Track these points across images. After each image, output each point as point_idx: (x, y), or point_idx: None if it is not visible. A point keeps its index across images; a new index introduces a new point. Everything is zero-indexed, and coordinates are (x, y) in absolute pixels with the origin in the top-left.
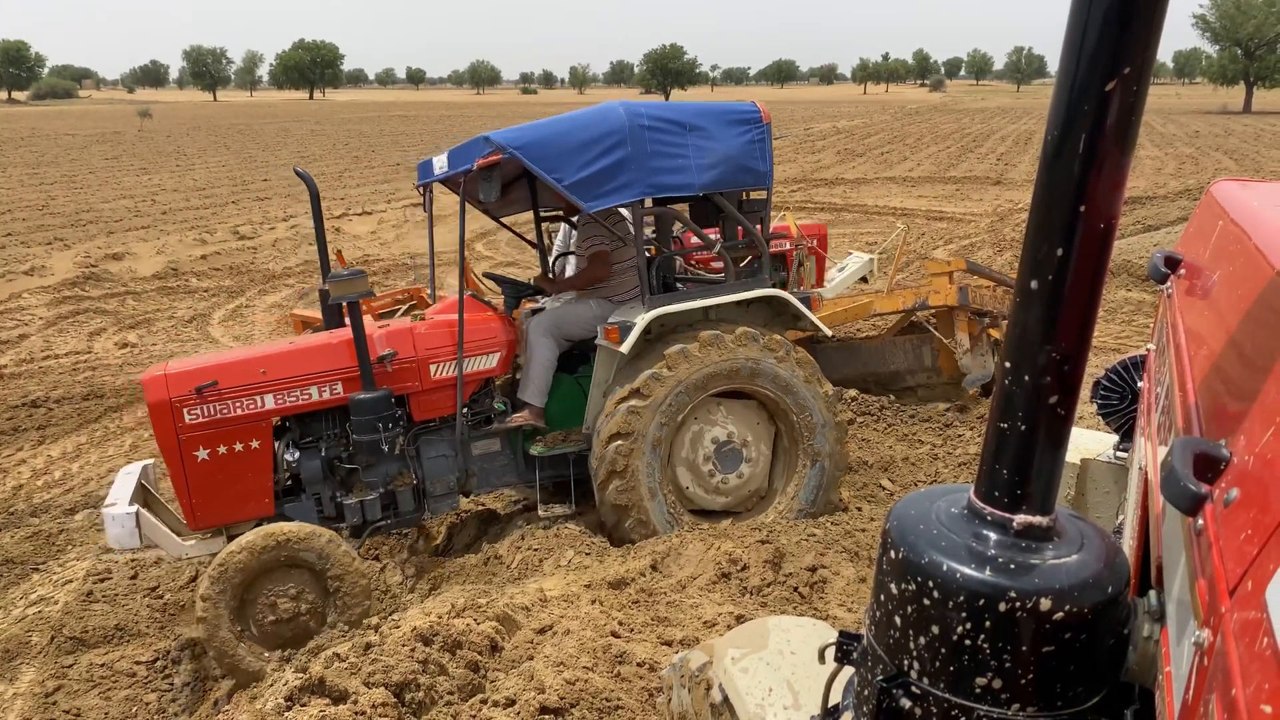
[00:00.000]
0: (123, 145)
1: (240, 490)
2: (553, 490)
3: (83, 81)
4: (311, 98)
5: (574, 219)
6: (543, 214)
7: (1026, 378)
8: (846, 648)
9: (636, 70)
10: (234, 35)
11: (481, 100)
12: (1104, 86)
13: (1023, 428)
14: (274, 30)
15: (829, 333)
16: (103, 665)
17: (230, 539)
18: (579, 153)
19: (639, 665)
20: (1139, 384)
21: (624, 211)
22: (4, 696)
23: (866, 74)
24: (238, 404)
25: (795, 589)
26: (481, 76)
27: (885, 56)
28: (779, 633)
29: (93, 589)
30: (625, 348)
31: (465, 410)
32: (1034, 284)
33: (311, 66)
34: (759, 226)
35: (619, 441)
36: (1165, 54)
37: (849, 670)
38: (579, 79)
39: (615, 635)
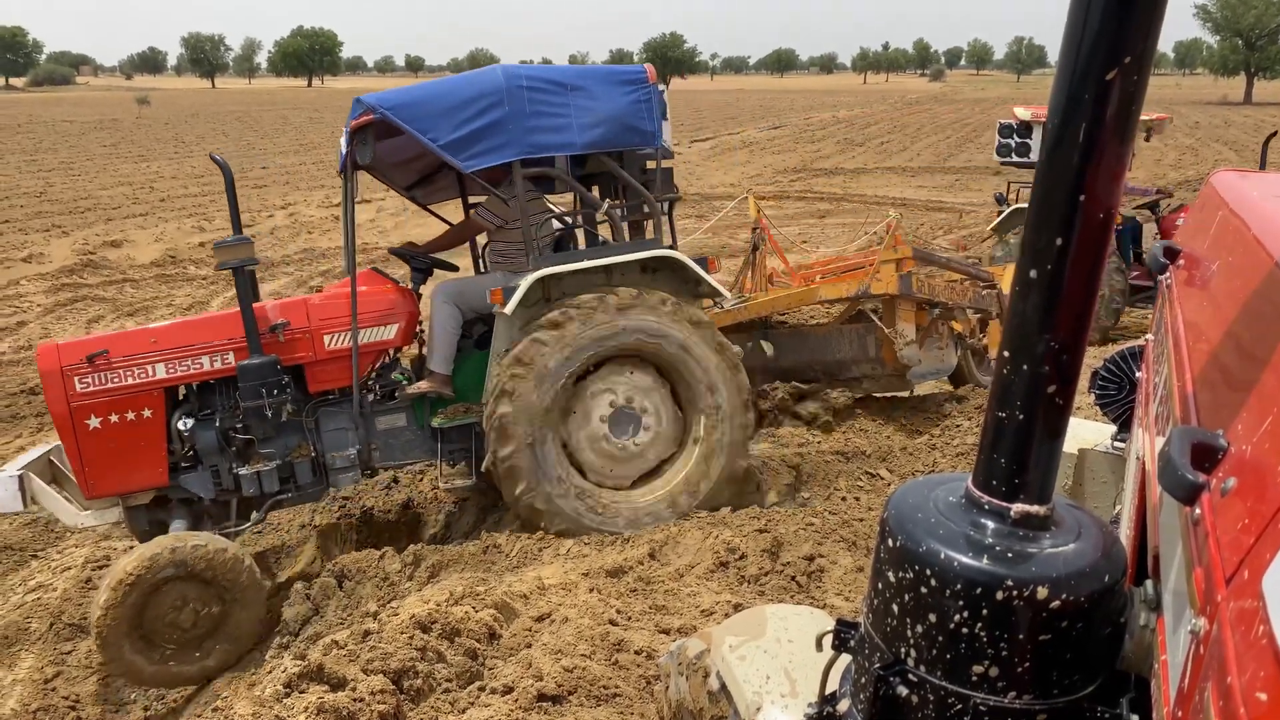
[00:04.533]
0: (121, 132)
1: (133, 459)
2: (456, 464)
3: (80, 68)
4: (310, 85)
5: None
6: (471, 200)
7: (1025, 367)
8: (844, 635)
9: (636, 59)
10: (232, 22)
11: None
12: (1104, 76)
13: (1021, 417)
14: (273, 17)
15: (727, 294)
16: None
17: (126, 510)
18: (454, 113)
19: (636, 653)
20: (1137, 374)
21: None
22: (3, 683)
23: (866, 64)
24: (128, 373)
25: (793, 578)
26: (480, 65)
27: (885, 46)
28: (776, 621)
29: (91, 576)
30: (509, 308)
31: (373, 383)
32: (1033, 273)
33: (310, 54)
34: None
35: (504, 403)
36: (1166, 45)
37: (846, 658)
38: None
39: (613, 623)
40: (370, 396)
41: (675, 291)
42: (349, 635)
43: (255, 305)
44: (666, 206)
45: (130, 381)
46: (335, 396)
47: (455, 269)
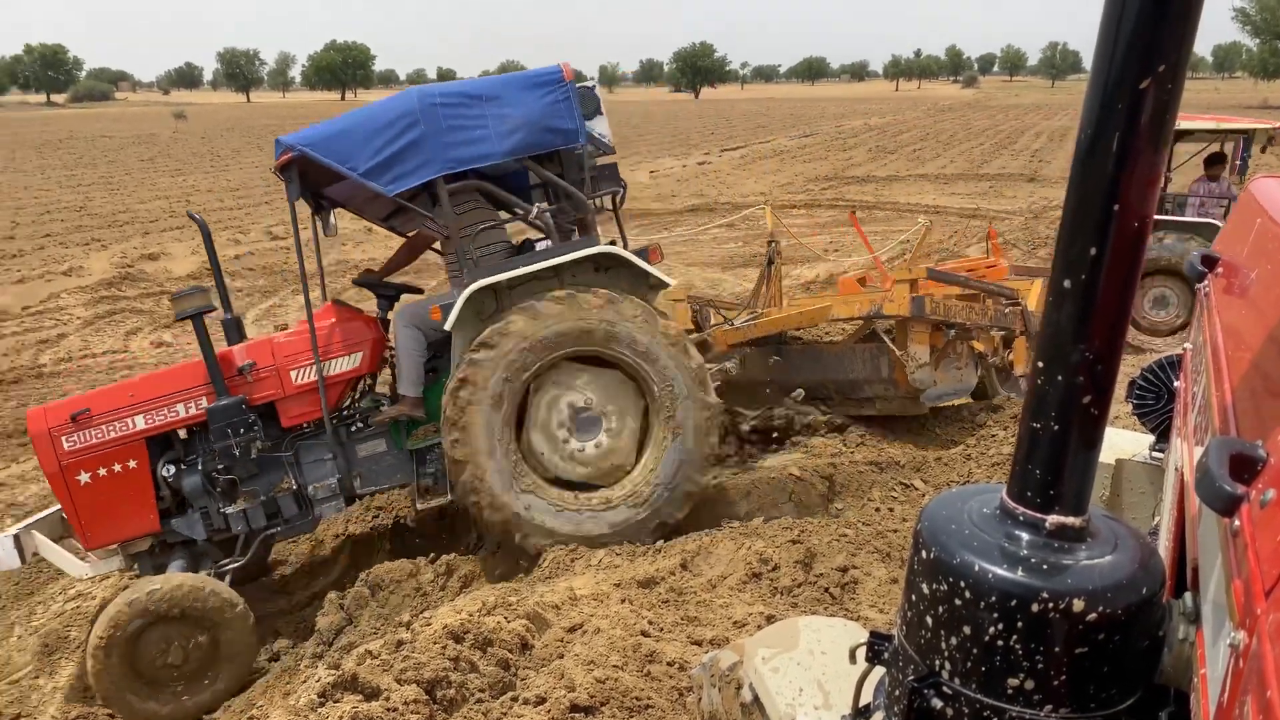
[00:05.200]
0: (158, 147)
1: (124, 509)
2: (435, 482)
3: (119, 84)
4: (343, 99)
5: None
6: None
7: (1059, 377)
8: (877, 648)
9: (666, 68)
10: (267, 37)
11: None
12: (1138, 84)
13: (1055, 428)
14: (306, 32)
15: (671, 282)
16: None
17: (126, 557)
18: (372, 139)
19: (669, 664)
20: (1175, 383)
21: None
22: (44, 690)
23: (898, 70)
24: (110, 427)
25: (826, 589)
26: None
27: (917, 53)
28: (810, 633)
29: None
30: (448, 324)
31: (351, 412)
32: (1067, 283)
33: (343, 67)
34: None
35: (453, 439)
36: (1204, 48)
37: (880, 670)
38: (608, 78)
39: (645, 634)
40: (354, 426)
41: (629, 287)
42: (382, 645)
43: (223, 351)
44: (612, 201)
45: (113, 435)
46: (310, 429)
47: (420, 291)
